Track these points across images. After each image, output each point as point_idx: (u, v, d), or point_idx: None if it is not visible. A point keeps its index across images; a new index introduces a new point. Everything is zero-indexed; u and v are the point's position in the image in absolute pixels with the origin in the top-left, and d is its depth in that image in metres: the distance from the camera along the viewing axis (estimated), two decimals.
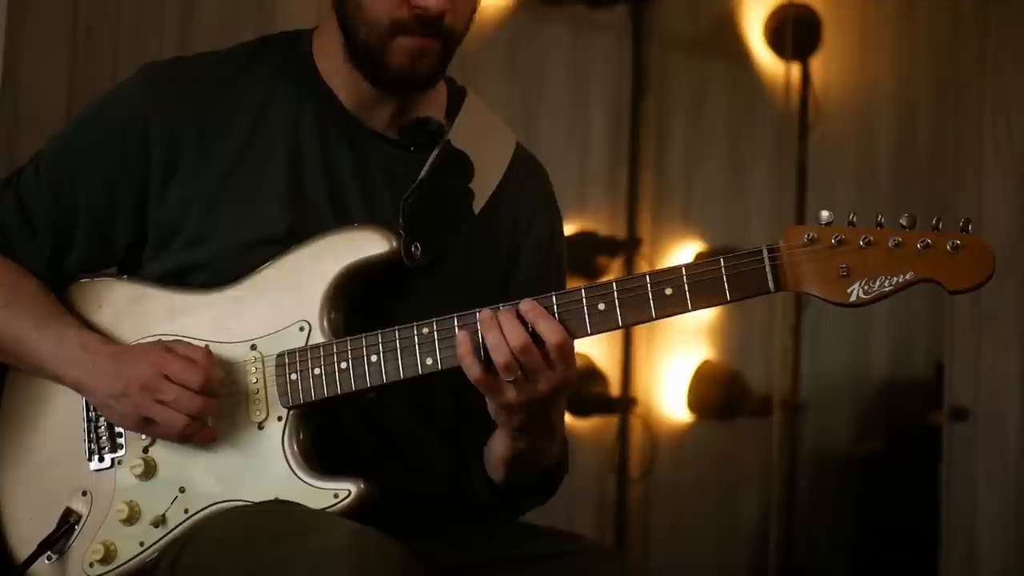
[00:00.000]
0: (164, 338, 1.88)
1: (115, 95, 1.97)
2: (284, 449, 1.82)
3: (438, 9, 1.82)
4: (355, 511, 1.77)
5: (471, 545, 1.92)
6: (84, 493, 1.90)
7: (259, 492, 1.82)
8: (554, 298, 1.74)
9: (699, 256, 4.51)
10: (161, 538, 1.85)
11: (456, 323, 1.77)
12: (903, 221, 1.65)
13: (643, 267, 4.38)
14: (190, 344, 1.85)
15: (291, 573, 1.64)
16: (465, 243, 1.94)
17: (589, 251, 4.33)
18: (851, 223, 1.67)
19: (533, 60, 4.34)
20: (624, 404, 4.41)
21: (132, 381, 1.82)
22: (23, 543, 1.91)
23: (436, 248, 1.88)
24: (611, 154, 4.48)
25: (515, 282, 1.99)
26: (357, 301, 1.87)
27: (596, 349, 4.33)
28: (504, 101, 4.14)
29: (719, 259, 1.69)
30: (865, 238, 1.65)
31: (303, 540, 1.67)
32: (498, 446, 1.86)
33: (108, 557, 1.86)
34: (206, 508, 1.83)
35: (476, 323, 1.74)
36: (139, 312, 1.91)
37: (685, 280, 1.70)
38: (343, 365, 1.81)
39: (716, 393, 4.53)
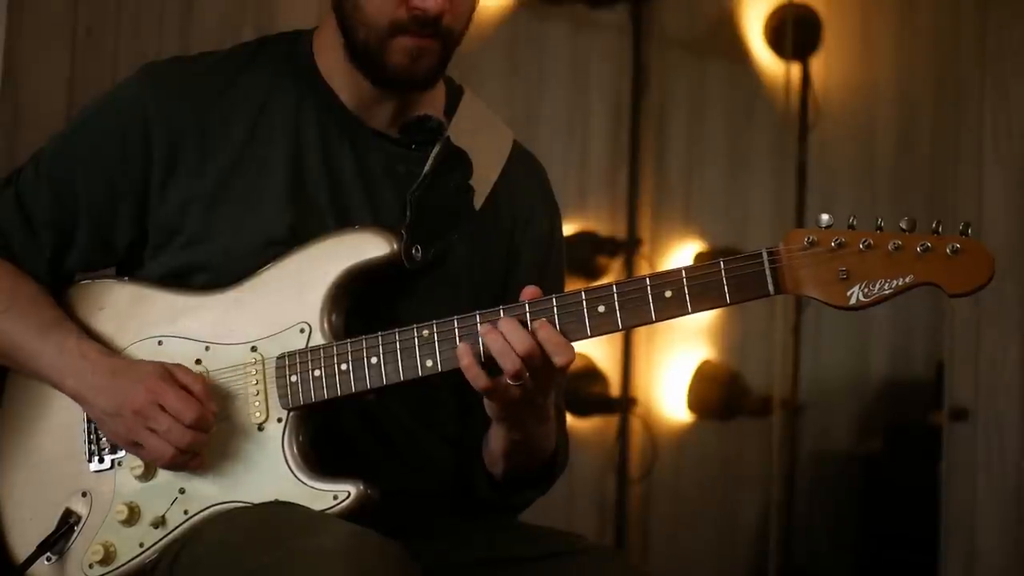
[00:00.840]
0: (164, 339, 1.88)
1: (115, 95, 1.97)
2: (284, 450, 1.82)
3: (436, 10, 1.82)
4: (355, 512, 1.77)
5: (471, 545, 1.92)
6: (84, 494, 1.90)
7: (259, 493, 1.82)
8: (554, 300, 1.74)
9: (699, 256, 4.51)
10: (161, 539, 1.84)
11: (456, 325, 1.77)
12: (903, 224, 1.65)
13: (643, 267, 4.39)
14: (189, 372, 1.84)
15: (290, 574, 1.63)
16: (466, 241, 1.94)
17: (589, 251, 4.33)
18: (851, 226, 1.67)
19: (533, 60, 4.34)
20: (624, 404, 4.41)
21: (126, 405, 1.81)
22: (23, 544, 1.91)
23: (437, 248, 1.88)
24: (611, 154, 4.48)
25: (515, 280, 1.99)
26: (358, 301, 1.87)
27: (596, 349, 4.33)
28: (504, 101, 4.14)
29: (719, 262, 1.69)
30: (865, 241, 1.65)
31: (302, 541, 1.67)
32: (495, 441, 1.87)
33: (108, 558, 1.86)
34: (206, 509, 1.83)
35: (474, 332, 1.75)
36: (140, 313, 1.91)
37: (685, 283, 1.70)
38: (343, 367, 1.81)
39: (716, 393, 4.53)
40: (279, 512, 1.79)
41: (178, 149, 1.90)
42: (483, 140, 2.00)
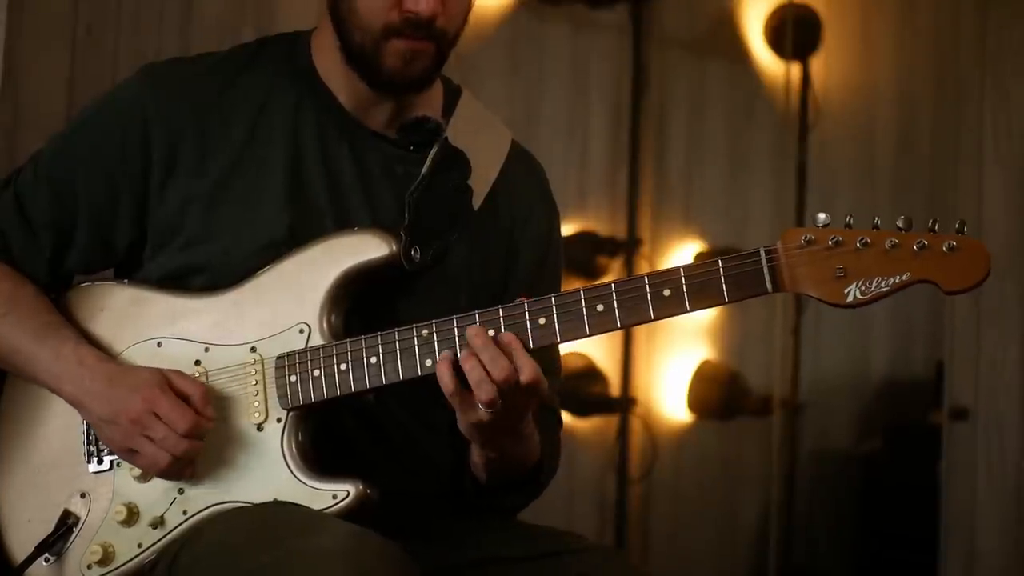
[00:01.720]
0: (163, 341, 1.89)
1: (115, 95, 1.97)
2: (283, 450, 1.82)
3: (428, 12, 1.82)
4: (354, 512, 1.77)
5: (470, 545, 1.92)
6: (83, 495, 1.90)
7: (258, 493, 1.82)
8: (553, 300, 1.75)
9: (699, 256, 4.51)
10: (159, 539, 1.84)
11: (456, 324, 1.77)
12: (899, 223, 1.66)
13: (643, 267, 4.38)
14: (189, 379, 1.84)
15: (289, 574, 1.63)
16: (465, 241, 1.94)
17: (589, 251, 4.33)
18: (848, 225, 1.68)
19: (533, 60, 4.34)
20: (624, 404, 4.41)
21: (122, 413, 1.81)
22: (21, 545, 1.90)
23: (436, 249, 1.88)
24: (611, 154, 4.48)
25: (514, 279, 2.00)
26: (357, 301, 1.87)
27: (596, 349, 4.33)
28: (504, 101, 4.14)
29: (717, 260, 1.70)
30: (862, 239, 1.66)
31: (301, 541, 1.67)
32: (474, 454, 1.88)
33: (106, 559, 1.86)
34: (205, 509, 1.83)
35: (462, 342, 1.75)
36: (139, 315, 1.91)
37: (683, 281, 1.71)
38: (343, 367, 1.81)
39: (716, 393, 4.53)
40: (278, 512, 1.79)
41: (177, 150, 1.90)
42: (481, 140, 2.00)
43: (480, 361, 1.72)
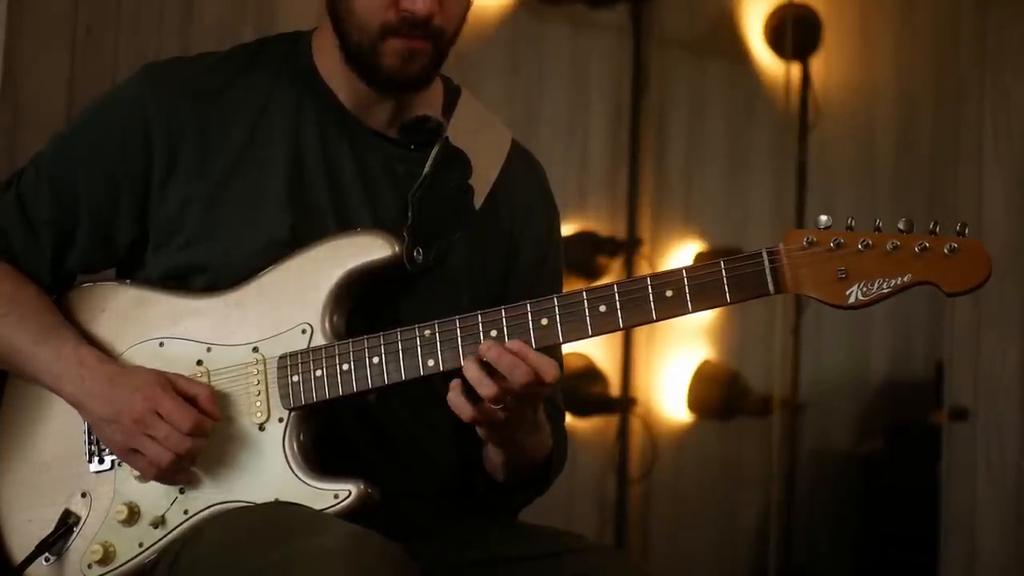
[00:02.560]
0: (165, 341, 1.89)
1: (115, 95, 1.97)
2: (285, 450, 1.82)
3: (425, 11, 1.83)
4: (355, 512, 1.77)
5: (470, 546, 1.92)
6: (83, 495, 1.90)
7: (259, 493, 1.82)
8: (555, 300, 1.75)
9: (699, 256, 4.51)
10: (160, 539, 1.84)
11: (458, 324, 1.77)
12: (901, 225, 1.66)
13: (643, 267, 4.39)
14: (193, 382, 1.84)
15: (291, 574, 1.63)
16: (467, 240, 1.94)
17: (589, 251, 4.33)
18: (849, 227, 1.68)
19: (533, 60, 4.34)
20: (624, 404, 4.41)
21: (124, 413, 1.81)
22: (21, 545, 1.90)
23: (438, 249, 1.89)
24: (611, 154, 4.48)
25: (515, 278, 2.01)
26: (359, 301, 1.88)
27: (596, 349, 4.33)
28: (504, 101, 4.14)
29: (719, 262, 1.70)
30: (863, 241, 1.66)
31: (303, 541, 1.67)
32: (493, 456, 1.88)
33: (107, 558, 1.86)
34: (206, 509, 1.83)
35: (470, 340, 1.76)
36: (141, 315, 1.91)
37: (686, 282, 1.71)
38: (345, 367, 1.81)
39: (716, 393, 4.53)
40: (279, 512, 1.79)
41: (178, 149, 1.90)
42: (482, 140, 2.00)
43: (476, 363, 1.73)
